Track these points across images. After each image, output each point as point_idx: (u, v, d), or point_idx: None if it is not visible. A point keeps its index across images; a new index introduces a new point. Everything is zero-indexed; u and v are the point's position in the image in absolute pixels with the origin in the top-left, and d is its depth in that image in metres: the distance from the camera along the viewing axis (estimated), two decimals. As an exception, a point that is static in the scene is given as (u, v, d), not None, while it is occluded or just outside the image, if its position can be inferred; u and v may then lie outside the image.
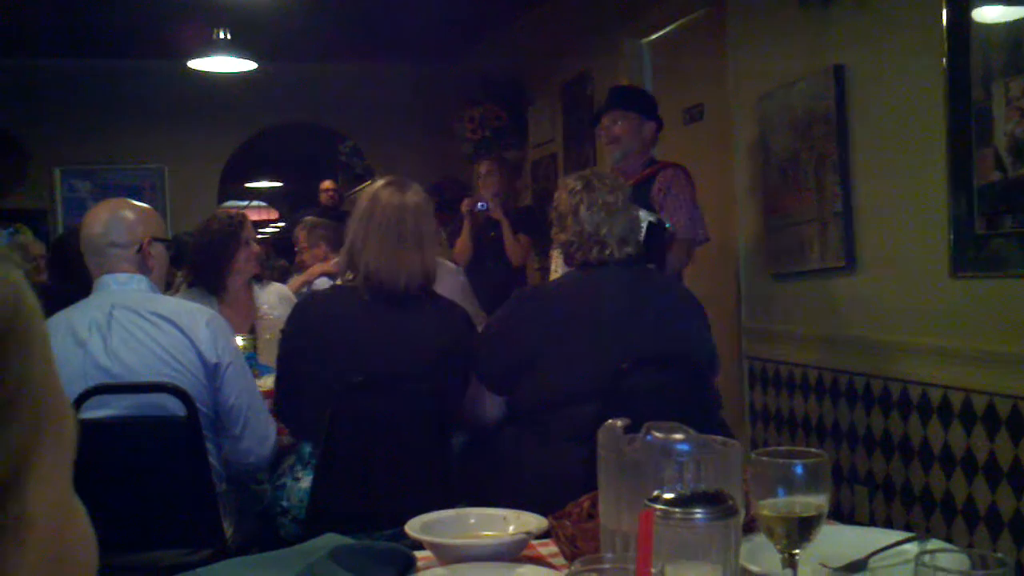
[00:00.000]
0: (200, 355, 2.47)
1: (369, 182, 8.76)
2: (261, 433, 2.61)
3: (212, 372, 2.50)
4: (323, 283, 4.34)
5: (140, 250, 2.55)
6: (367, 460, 2.57)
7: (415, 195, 2.70)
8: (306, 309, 2.76)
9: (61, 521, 0.60)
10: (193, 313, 2.52)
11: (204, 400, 2.49)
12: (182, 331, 2.47)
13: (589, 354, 2.55)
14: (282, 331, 2.80)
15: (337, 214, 7.12)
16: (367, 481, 2.57)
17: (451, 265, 4.47)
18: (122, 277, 2.54)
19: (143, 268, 2.56)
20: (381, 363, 2.58)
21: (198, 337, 2.48)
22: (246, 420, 2.57)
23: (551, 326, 2.61)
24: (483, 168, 5.87)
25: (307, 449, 2.64)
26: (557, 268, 3.78)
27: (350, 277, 2.68)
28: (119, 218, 2.57)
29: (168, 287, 3.28)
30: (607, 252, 2.64)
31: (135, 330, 2.45)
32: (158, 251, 2.61)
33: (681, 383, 2.58)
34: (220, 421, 2.57)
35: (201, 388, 2.48)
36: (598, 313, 2.62)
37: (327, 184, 8.96)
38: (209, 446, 2.52)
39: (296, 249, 5.47)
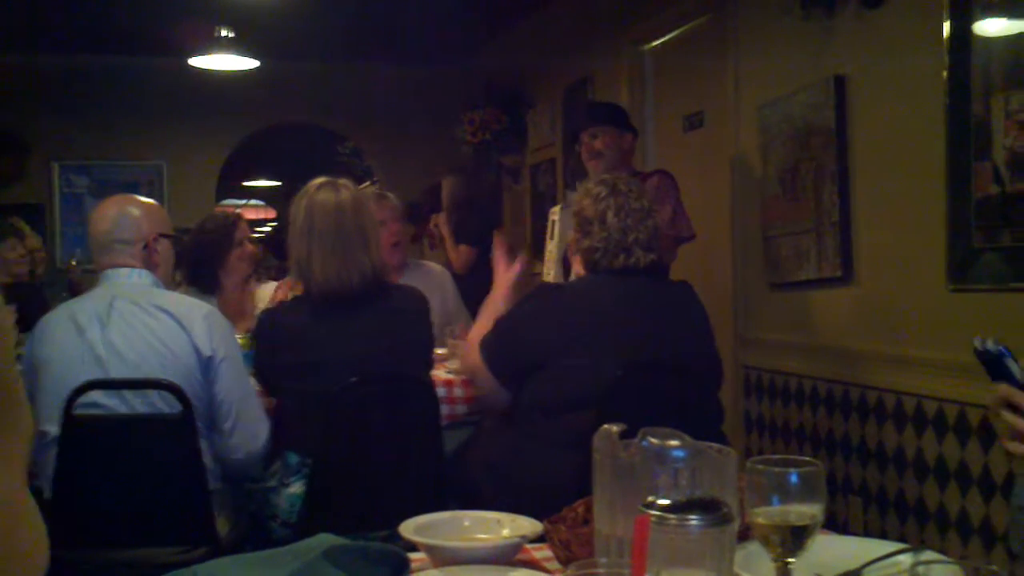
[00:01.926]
0: (195, 347, 2.49)
1: (369, 183, 8.79)
2: (252, 430, 2.62)
3: (206, 365, 2.52)
4: None
5: (146, 247, 2.61)
6: (360, 464, 2.57)
7: (349, 192, 2.69)
8: (270, 326, 2.74)
9: (10, 511, 0.60)
10: (192, 307, 2.56)
11: (197, 393, 2.50)
12: (178, 322, 2.50)
13: (590, 361, 2.55)
14: (252, 350, 2.78)
15: None
16: (361, 485, 2.57)
17: (438, 267, 4.48)
18: (125, 271, 2.58)
19: (148, 264, 2.61)
20: (353, 369, 2.57)
21: (194, 329, 2.50)
22: (237, 416, 2.58)
23: (560, 330, 2.61)
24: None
25: (294, 460, 2.63)
26: (549, 272, 3.78)
27: (302, 291, 2.67)
28: (126, 215, 2.62)
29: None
30: (632, 260, 2.63)
31: (134, 320, 2.48)
32: (164, 247, 2.67)
33: (680, 392, 2.57)
34: (211, 416, 2.58)
35: (195, 381, 2.50)
36: (604, 322, 2.61)
37: None
38: (204, 443, 2.53)
39: None
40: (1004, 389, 1.24)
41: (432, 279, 4.12)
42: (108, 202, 2.70)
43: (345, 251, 2.61)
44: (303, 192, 2.70)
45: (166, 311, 2.51)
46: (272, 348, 2.67)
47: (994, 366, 1.24)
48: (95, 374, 2.44)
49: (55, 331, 2.52)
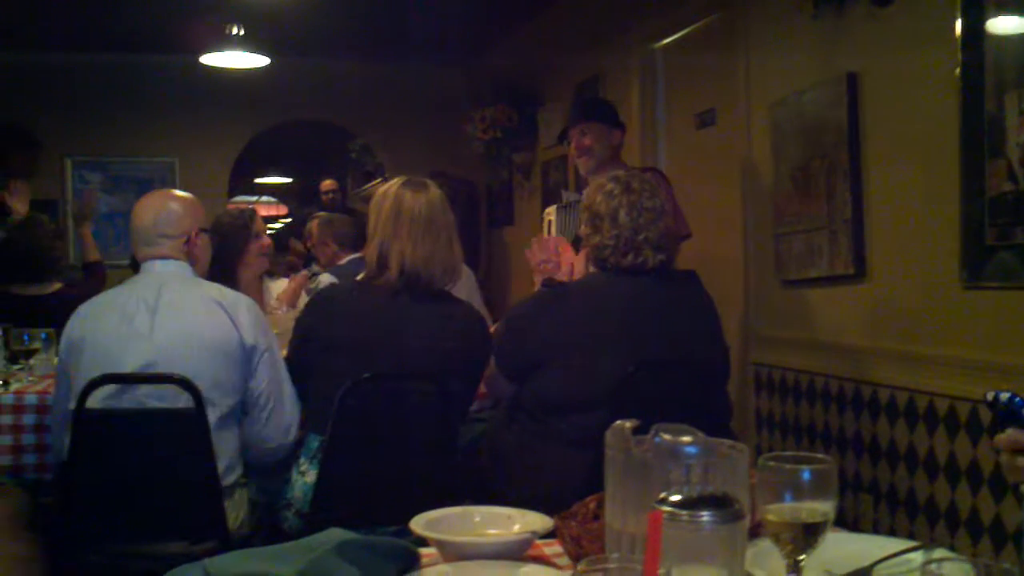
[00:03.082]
0: (240, 336, 2.58)
1: (379, 180, 8.84)
2: (284, 424, 2.68)
3: (248, 355, 2.59)
4: (327, 279, 4.36)
5: (188, 241, 2.70)
6: (373, 455, 2.58)
7: (436, 190, 2.73)
8: (329, 301, 2.76)
9: None
10: (236, 297, 2.67)
11: (236, 384, 2.58)
12: (226, 312, 2.59)
13: (598, 361, 2.54)
14: (298, 319, 2.81)
15: (344, 214, 7.15)
16: (372, 476, 2.58)
17: (464, 267, 4.51)
18: (169, 262, 2.68)
19: (188, 257, 2.71)
20: (394, 360, 2.58)
21: (240, 320, 2.59)
22: (272, 409, 2.65)
23: (567, 329, 2.60)
24: None
25: (315, 444, 2.64)
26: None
27: (374, 274, 2.68)
28: (168, 210, 2.72)
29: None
30: (640, 259, 2.62)
31: (181, 308, 2.57)
32: (203, 241, 2.78)
33: (689, 389, 2.57)
34: (246, 405, 2.62)
35: (236, 370, 2.57)
36: (612, 321, 2.61)
37: (327, 184, 9.00)
38: (233, 434, 2.59)
39: (307, 244, 5.48)
40: (1014, 433, 1.23)
41: (462, 279, 4.15)
42: (150, 197, 2.80)
43: (435, 241, 2.66)
44: (385, 189, 2.75)
45: (212, 300, 2.60)
46: (329, 320, 2.67)
47: (1007, 415, 1.24)
48: (141, 359, 2.50)
49: (101, 315, 2.61)
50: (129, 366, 2.49)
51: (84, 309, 2.66)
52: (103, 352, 2.52)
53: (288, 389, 2.69)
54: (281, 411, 2.66)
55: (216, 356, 2.53)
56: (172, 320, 2.55)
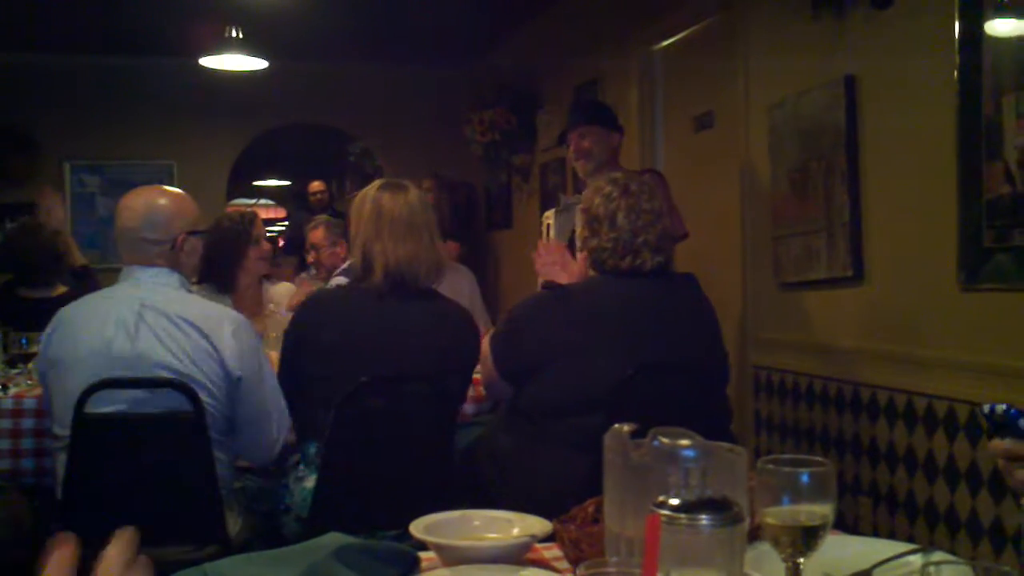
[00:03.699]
0: (223, 365, 2.47)
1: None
2: (269, 444, 2.62)
3: (230, 381, 2.50)
4: (341, 281, 4.36)
5: (174, 246, 2.53)
6: (371, 459, 2.58)
7: (415, 191, 2.73)
8: (318, 306, 2.76)
9: None
10: (221, 319, 2.51)
11: (219, 409, 2.51)
12: (208, 339, 2.46)
13: (596, 363, 2.54)
14: (288, 328, 2.78)
15: (333, 215, 7.18)
16: (371, 480, 2.57)
17: (463, 267, 4.51)
18: (152, 271, 2.52)
19: (175, 262, 2.54)
20: (390, 362, 2.59)
21: (223, 346, 2.47)
22: (257, 432, 2.59)
23: (565, 331, 2.60)
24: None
25: (312, 449, 2.64)
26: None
27: (359, 277, 2.69)
28: (155, 211, 2.53)
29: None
30: (639, 261, 2.62)
31: (161, 333, 2.44)
32: (191, 246, 2.58)
33: (689, 393, 2.57)
34: (230, 426, 2.58)
35: (219, 397, 2.50)
36: (610, 323, 2.61)
37: (316, 186, 9.03)
38: (220, 451, 2.54)
39: (308, 247, 5.45)
40: (1012, 445, 1.22)
41: (461, 278, 4.17)
42: (136, 195, 2.58)
43: (417, 241, 2.66)
44: (364, 193, 2.74)
45: (195, 325, 2.45)
46: (320, 326, 2.66)
47: (1003, 427, 1.22)
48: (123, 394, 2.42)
49: (79, 333, 2.47)
50: (110, 400, 2.41)
51: (61, 324, 2.52)
52: (80, 375, 2.40)
53: (275, 410, 2.60)
54: (267, 432, 2.59)
55: (196, 386, 2.43)
56: (150, 349, 2.42)
